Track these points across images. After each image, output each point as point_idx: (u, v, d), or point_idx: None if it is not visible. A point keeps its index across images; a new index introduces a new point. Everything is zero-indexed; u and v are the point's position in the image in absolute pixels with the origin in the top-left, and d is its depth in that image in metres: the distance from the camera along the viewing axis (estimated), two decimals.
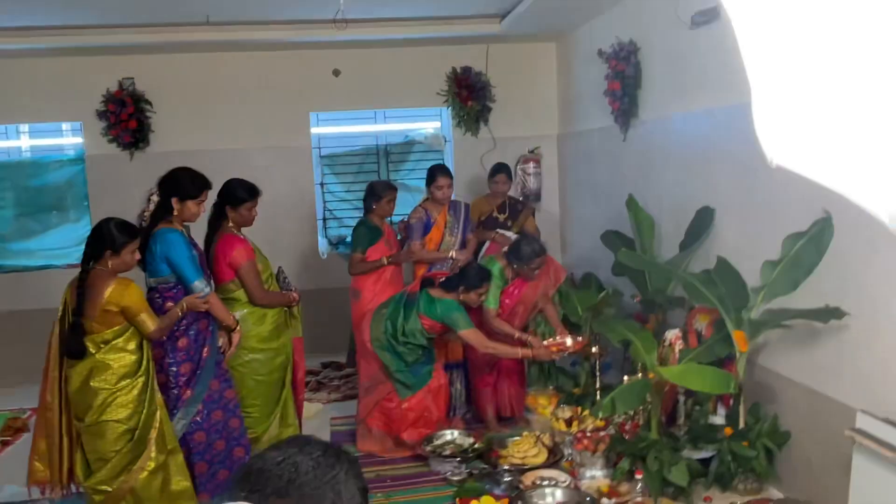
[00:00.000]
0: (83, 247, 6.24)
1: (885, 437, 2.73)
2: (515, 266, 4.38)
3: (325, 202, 6.70)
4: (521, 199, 5.60)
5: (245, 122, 6.33)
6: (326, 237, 6.72)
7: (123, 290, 3.14)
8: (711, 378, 3.23)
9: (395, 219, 5.49)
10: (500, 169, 5.37)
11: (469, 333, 4.16)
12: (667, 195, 4.68)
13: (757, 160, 3.67)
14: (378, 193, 4.84)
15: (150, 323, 3.23)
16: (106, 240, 3.17)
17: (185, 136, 6.27)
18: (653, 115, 4.85)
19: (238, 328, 3.69)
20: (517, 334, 4.34)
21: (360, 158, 6.75)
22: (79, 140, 6.33)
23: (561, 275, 4.58)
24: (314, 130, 6.53)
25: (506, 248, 4.50)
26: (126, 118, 6.07)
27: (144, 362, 3.25)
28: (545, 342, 4.33)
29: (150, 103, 6.19)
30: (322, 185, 6.67)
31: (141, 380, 3.22)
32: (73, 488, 3.36)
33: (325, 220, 6.71)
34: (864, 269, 2.95)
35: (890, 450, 2.67)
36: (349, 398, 5.25)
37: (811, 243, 3.22)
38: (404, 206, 6.69)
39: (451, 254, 4.79)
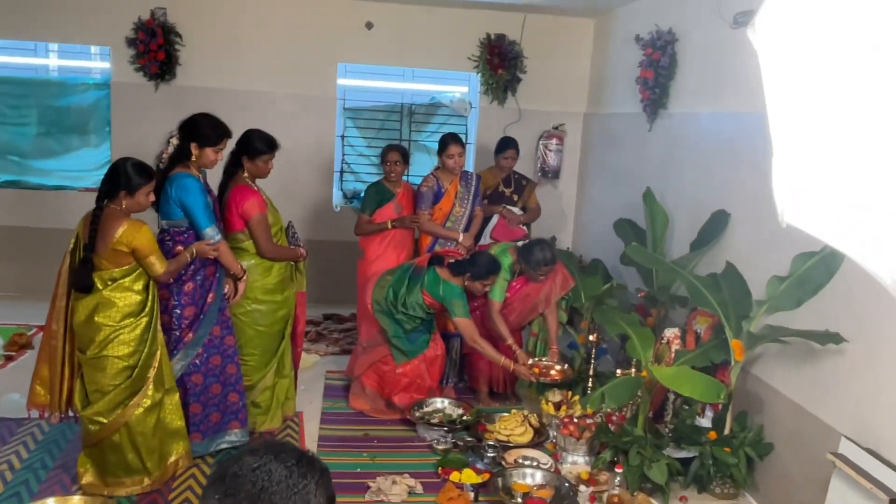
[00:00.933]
0: (101, 171, 6.39)
1: (866, 466, 2.76)
2: (523, 266, 4.39)
3: (343, 155, 6.68)
4: (523, 175, 5.54)
5: (272, 65, 6.29)
6: (342, 190, 6.73)
7: (135, 231, 3.17)
8: (703, 386, 3.26)
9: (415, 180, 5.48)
10: (510, 144, 5.32)
11: (464, 323, 4.20)
12: (685, 192, 4.65)
13: None
14: (382, 156, 4.94)
15: (158, 265, 3.27)
16: (122, 180, 3.19)
17: (212, 72, 6.24)
18: (682, 108, 4.79)
19: (245, 277, 3.74)
20: (509, 341, 4.39)
21: (383, 115, 6.70)
22: (106, 65, 6.30)
23: (568, 283, 4.57)
24: (340, 82, 6.48)
25: (520, 244, 4.51)
26: (155, 48, 6.03)
27: (149, 303, 3.30)
28: (531, 361, 4.38)
29: (180, 36, 6.14)
30: (343, 137, 6.64)
31: (144, 320, 3.27)
32: (71, 414, 3.46)
33: (342, 172, 6.70)
34: (869, 298, 2.95)
35: (868, 480, 2.70)
36: (347, 352, 5.32)
37: (821, 264, 3.21)
38: (425, 167, 6.70)
39: (458, 237, 4.75)
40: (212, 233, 3.51)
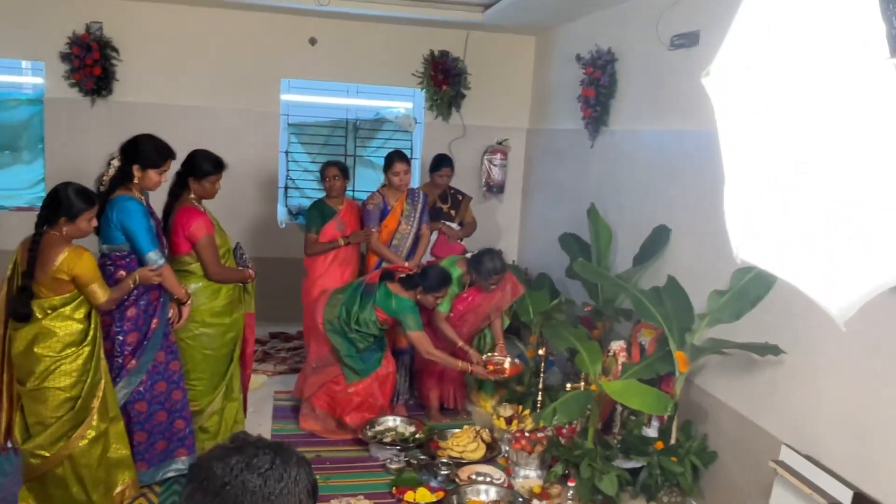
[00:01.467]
0: (34, 190, 6.15)
1: (806, 472, 2.88)
2: (473, 277, 4.43)
3: (288, 171, 6.61)
4: (459, 190, 5.59)
5: (214, 80, 6.19)
6: (286, 206, 6.66)
7: (76, 258, 3.07)
8: (651, 399, 3.35)
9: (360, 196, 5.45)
10: (445, 162, 5.35)
11: (417, 336, 4.21)
12: (627, 207, 4.77)
13: (717, 189, 3.81)
14: (321, 173, 4.94)
15: (100, 293, 3.17)
16: (62, 205, 3.09)
17: (151, 88, 6.10)
18: (623, 126, 4.91)
19: (189, 302, 3.66)
20: (460, 343, 4.42)
21: (328, 130, 6.68)
22: (39, 80, 6.08)
23: (518, 291, 4.64)
24: (284, 97, 6.42)
25: (469, 256, 4.55)
26: (91, 63, 5.86)
27: (91, 331, 3.19)
28: (485, 356, 4.43)
29: (116, 50, 5.98)
30: (287, 153, 6.58)
31: (87, 349, 3.16)
32: (10, 448, 3.32)
33: (286, 188, 6.64)
34: (806, 312, 3.08)
35: (808, 486, 2.82)
36: (295, 371, 5.25)
37: (759, 278, 3.34)
38: (370, 183, 6.69)
39: (404, 265, 4.72)
40: (154, 257, 3.42)
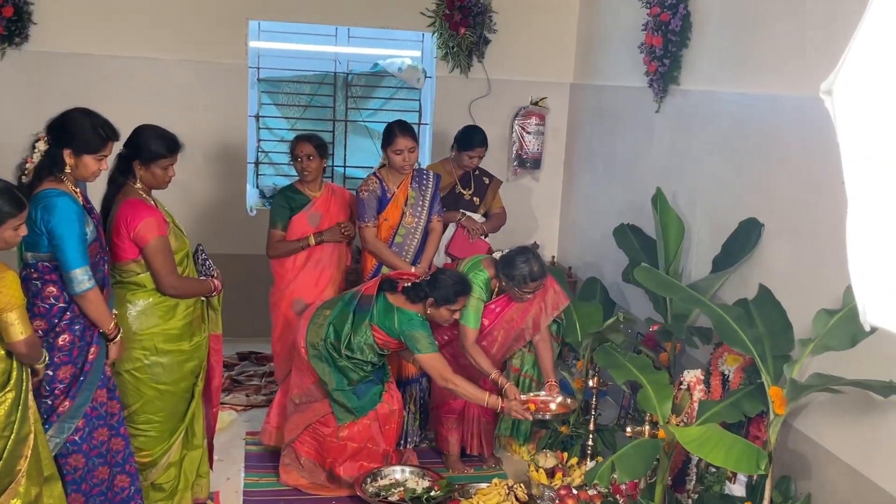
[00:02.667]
0: None
1: None
2: (504, 283, 4.46)
3: (259, 141, 6.66)
4: (486, 171, 5.61)
5: (161, 24, 6.21)
6: (257, 187, 6.71)
7: None
8: (738, 452, 3.38)
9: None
10: (480, 140, 5.36)
11: (430, 359, 4.25)
12: (704, 192, 4.79)
13: (831, 173, 3.80)
14: (291, 150, 4.97)
15: (19, 328, 3.13)
16: None
17: (78, 34, 6.13)
18: (699, 85, 4.92)
19: (118, 338, 3.65)
20: (493, 374, 4.45)
21: (311, 88, 6.73)
22: None
23: (561, 302, 4.68)
24: (253, 44, 6.45)
25: (497, 255, 4.58)
26: (0, 2, 5.91)
27: (14, 373, 3.20)
28: (524, 396, 4.46)
29: None
30: (258, 117, 6.62)
31: (10, 395, 3.17)
32: None
33: (257, 164, 6.68)
34: None
35: None
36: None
37: None
38: (366, 156, 6.72)
39: (410, 270, 4.74)
40: (81, 276, 3.40)
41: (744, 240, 4.32)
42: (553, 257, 6.77)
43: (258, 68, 6.58)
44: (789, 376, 3.66)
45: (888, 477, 3.36)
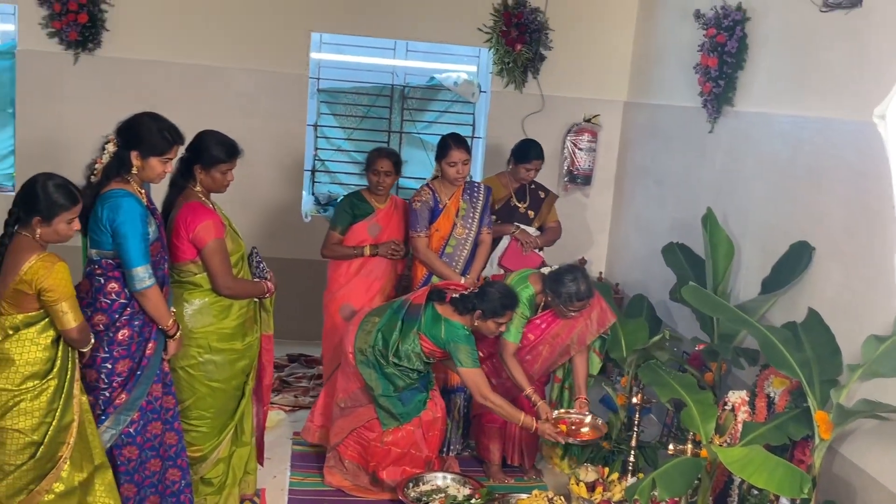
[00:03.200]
0: (1, 165, 6.37)
1: None
2: (550, 299, 4.44)
3: (316, 149, 6.73)
4: (542, 185, 5.59)
5: (227, 34, 6.32)
6: (313, 194, 6.77)
7: (46, 268, 3.13)
8: (780, 475, 3.32)
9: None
10: (537, 153, 5.34)
11: (471, 374, 4.25)
12: (755, 214, 4.73)
13: (883, 199, 3.74)
14: (369, 162, 4.95)
15: (71, 316, 3.20)
16: (37, 202, 3.18)
17: (149, 41, 6.26)
18: (754, 107, 4.86)
19: (178, 336, 3.71)
20: (528, 390, 4.44)
21: (369, 99, 6.77)
22: (10, 27, 6.32)
23: (607, 320, 4.63)
24: (314, 56, 6.53)
25: (546, 271, 4.56)
26: (75, 9, 6.04)
27: (59, 362, 3.26)
28: (556, 413, 4.45)
29: None
30: (316, 126, 6.68)
31: (52, 383, 3.23)
32: None
33: (313, 172, 6.75)
34: None
35: None
36: None
37: None
38: (420, 167, 6.75)
39: (460, 280, 4.74)
40: (142, 274, 3.46)
41: (794, 263, 4.26)
42: (601, 273, 6.73)
43: (318, 79, 6.65)
44: (836, 401, 3.59)
45: None
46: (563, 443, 4.43)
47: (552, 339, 4.58)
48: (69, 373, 3.31)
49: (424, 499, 4.32)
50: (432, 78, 6.80)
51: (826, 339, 3.78)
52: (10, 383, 3.18)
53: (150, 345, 3.62)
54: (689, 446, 4.00)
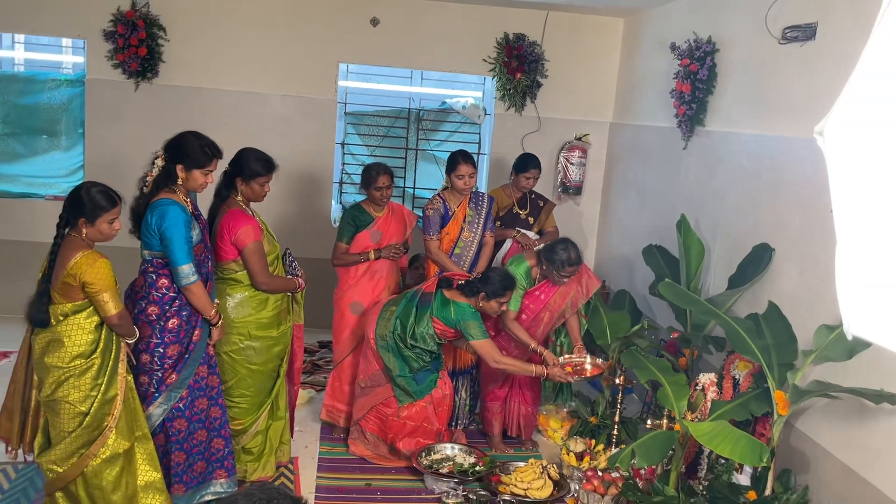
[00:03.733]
0: (72, 178, 6.44)
1: None
2: (545, 268, 4.48)
3: (343, 164, 6.76)
4: (541, 195, 5.62)
5: (267, 64, 6.37)
6: (340, 203, 6.80)
7: (89, 263, 3.19)
8: (743, 446, 3.32)
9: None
10: (533, 162, 5.36)
11: (482, 345, 4.27)
12: (724, 220, 4.73)
13: (830, 207, 3.75)
14: (367, 177, 4.77)
15: (111, 305, 3.27)
16: (82, 206, 3.24)
17: (199, 71, 6.32)
18: (722, 127, 4.86)
19: (220, 324, 3.77)
20: (533, 344, 4.47)
21: (388, 121, 6.80)
22: (80, 59, 6.38)
23: (593, 286, 4.66)
24: (342, 83, 6.57)
25: (539, 246, 4.60)
26: (136, 43, 6.10)
27: (102, 344, 3.32)
28: (561, 358, 4.48)
29: (164, 29, 6.21)
30: (343, 144, 6.72)
31: (96, 361, 3.30)
32: (30, 458, 3.53)
33: (341, 183, 6.79)
34: None
35: None
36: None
37: None
38: (432, 179, 6.78)
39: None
40: (187, 272, 3.52)
41: (756, 262, 4.26)
42: None
43: (346, 103, 6.68)
44: (792, 382, 3.60)
45: (877, 474, 3.28)
46: (573, 381, 4.48)
47: (551, 308, 4.60)
48: (112, 354, 3.37)
49: (435, 466, 4.34)
50: (444, 102, 6.83)
51: (784, 328, 3.79)
52: (61, 361, 3.26)
53: (196, 332, 3.67)
54: (665, 421, 4.02)
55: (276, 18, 6.33)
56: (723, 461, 3.95)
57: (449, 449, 4.50)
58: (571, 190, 6.68)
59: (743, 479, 3.89)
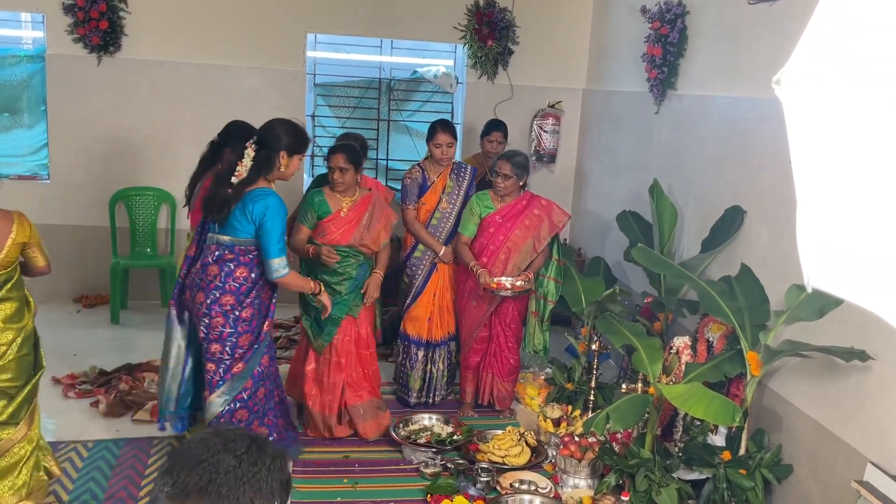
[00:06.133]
0: (35, 156, 6.33)
1: (893, 496, 2.88)
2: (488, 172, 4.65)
3: (314, 136, 6.69)
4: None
5: (232, 35, 6.27)
6: (312, 176, 6.73)
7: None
8: (716, 407, 3.37)
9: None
10: (496, 126, 5.39)
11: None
12: (696, 184, 4.74)
13: None
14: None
15: (41, 258, 3.42)
16: None
17: (163, 44, 6.22)
18: (693, 90, 4.86)
19: (322, 290, 3.92)
20: (472, 263, 4.55)
21: (359, 91, 6.74)
22: (39, 34, 6.24)
23: (560, 220, 4.69)
24: (310, 54, 6.48)
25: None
26: (97, 16, 5.99)
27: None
28: (495, 279, 4.52)
29: (125, 1, 6.09)
30: (313, 117, 6.66)
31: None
32: None
33: (312, 157, 6.72)
34: None
35: None
36: None
37: None
38: (405, 150, 6.74)
39: (440, 251, 4.78)
40: (279, 265, 3.57)
41: (728, 224, 4.28)
42: (566, 239, 6.73)
43: (314, 75, 6.60)
44: (764, 343, 3.64)
45: (848, 429, 3.33)
46: (491, 287, 4.50)
47: (511, 245, 4.60)
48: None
49: (413, 437, 4.36)
50: (415, 71, 6.77)
51: (756, 289, 3.81)
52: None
53: (266, 322, 3.72)
54: (640, 385, 4.05)
55: None
56: (698, 423, 4.00)
57: (426, 419, 4.53)
58: (546, 158, 6.67)
59: (718, 440, 3.94)
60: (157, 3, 6.14)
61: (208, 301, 3.56)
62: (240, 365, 3.62)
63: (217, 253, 3.58)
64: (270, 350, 3.83)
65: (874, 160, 1.11)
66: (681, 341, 4.22)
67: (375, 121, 6.79)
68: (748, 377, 3.74)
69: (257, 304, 3.64)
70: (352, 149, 4.32)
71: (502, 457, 4.17)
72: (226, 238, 3.58)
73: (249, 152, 3.58)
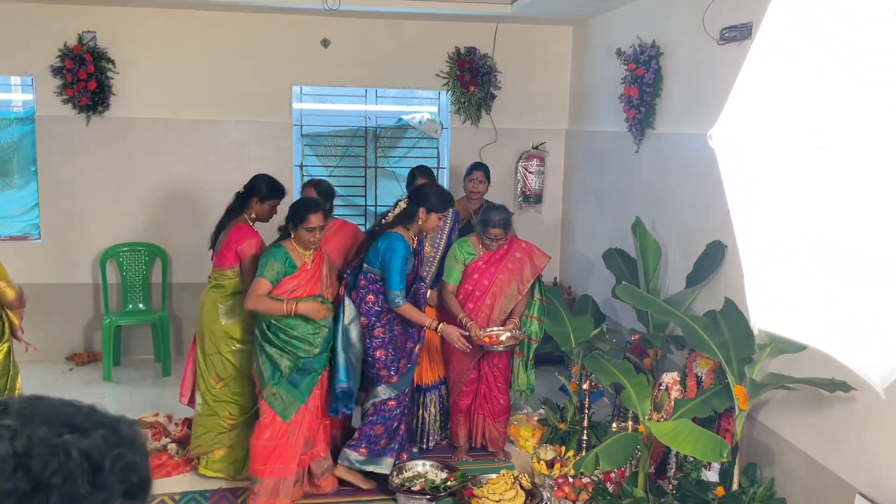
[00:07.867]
0: (27, 217, 6.39)
1: None
2: (478, 229, 4.62)
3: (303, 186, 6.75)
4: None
5: (219, 91, 6.36)
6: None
7: None
8: (704, 443, 3.37)
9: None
10: (477, 166, 5.45)
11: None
12: (678, 220, 4.80)
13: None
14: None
15: (9, 290, 3.85)
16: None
17: (151, 102, 6.31)
18: (671, 129, 4.94)
19: (440, 328, 4.32)
20: (461, 314, 4.52)
21: (346, 140, 6.82)
22: (29, 97, 6.33)
23: (541, 262, 4.72)
24: (296, 105, 6.58)
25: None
26: (85, 77, 6.08)
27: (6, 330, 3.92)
28: (483, 331, 4.49)
29: (112, 62, 6.19)
30: (301, 167, 6.73)
31: (6, 346, 3.89)
32: None
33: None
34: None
35: None
36: None
37: None
38: (393, 196, 6.79)
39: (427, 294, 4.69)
40: (395, 296, 4.18)
41: (711, 259, 4.33)
42: (555, 278, 6.78)
43: (301, 125, 6.69)
44: (750, 376, 3.66)
45: (836, 460, 3.35)
46: (477, 343, 4.45)
47: (496, 291, 4.62)
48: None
49: (407, 484, 4.35)
50: (400, 119, 6.86)
51: (741, 323, 3.82)
52: None
53: (417, 347, 4.44)
54: (630, 423, 4.06)
55: (226, 44, 6.33)
56: (691, 459, 4.00)
57: (420, 465, 4.50)
58: (532, 199, 6.74)
59: (711, 475, 3.94)
60: (144, 63, 6.25)
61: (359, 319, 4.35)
62: (394, 378, 4.33)
63: (359, 280, 4.30)
64: None
65: (799, 205, 1.16)
66: (670, 377, 4.23)
67: (363, 168, 6.86)
68: (737, 411, 3.75)
69: (388, 325, 4.31)
70: (324, 207, 4.31)
71: (497, 501, 4.15)
72: (366, 266, 4.29)
73: (402, 205, 4.31)
